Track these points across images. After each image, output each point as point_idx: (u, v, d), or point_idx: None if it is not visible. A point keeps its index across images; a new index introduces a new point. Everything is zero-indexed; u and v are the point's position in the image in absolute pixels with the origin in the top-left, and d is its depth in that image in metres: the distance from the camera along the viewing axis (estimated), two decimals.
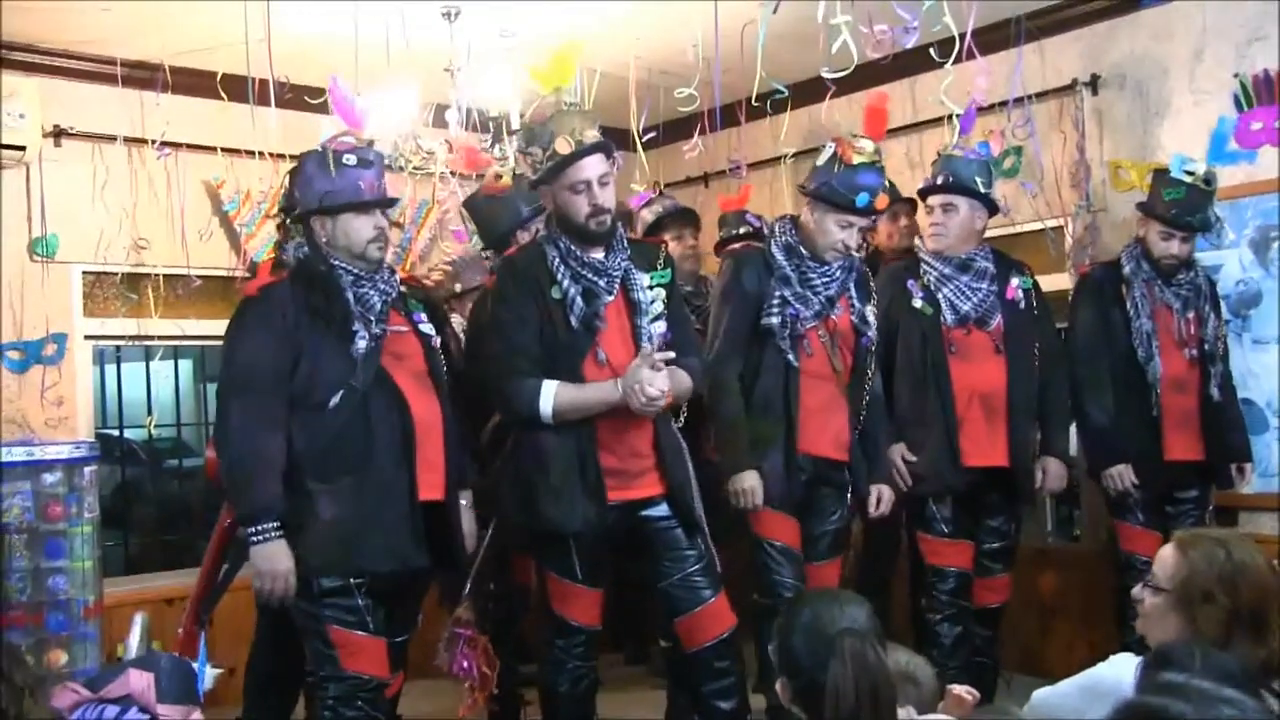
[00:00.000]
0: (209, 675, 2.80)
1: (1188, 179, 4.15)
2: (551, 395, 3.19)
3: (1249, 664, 2.04)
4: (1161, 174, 4.25)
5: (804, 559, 3.82)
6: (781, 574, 3.73)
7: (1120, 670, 2.18)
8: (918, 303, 4.15)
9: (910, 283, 4.18)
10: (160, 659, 2.68)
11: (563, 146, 3.24)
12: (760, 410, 3.77)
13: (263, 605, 3.46)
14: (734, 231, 4.78)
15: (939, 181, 4.18)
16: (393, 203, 3.30)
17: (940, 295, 4.12)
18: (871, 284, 4.00)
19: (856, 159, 3.73)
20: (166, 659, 2.72)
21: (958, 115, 4.16)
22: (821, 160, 3.82)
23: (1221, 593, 2.23)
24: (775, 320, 3.74)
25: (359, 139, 3.27)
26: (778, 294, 3.75)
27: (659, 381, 3.13)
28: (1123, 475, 4.15)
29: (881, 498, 3.95)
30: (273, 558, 3.01)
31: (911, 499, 4.17)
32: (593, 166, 3.27)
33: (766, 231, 4.02)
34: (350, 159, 3.19)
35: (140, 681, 2.37)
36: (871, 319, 3.90)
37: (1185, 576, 2.30)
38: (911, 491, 4.12)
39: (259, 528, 3.02)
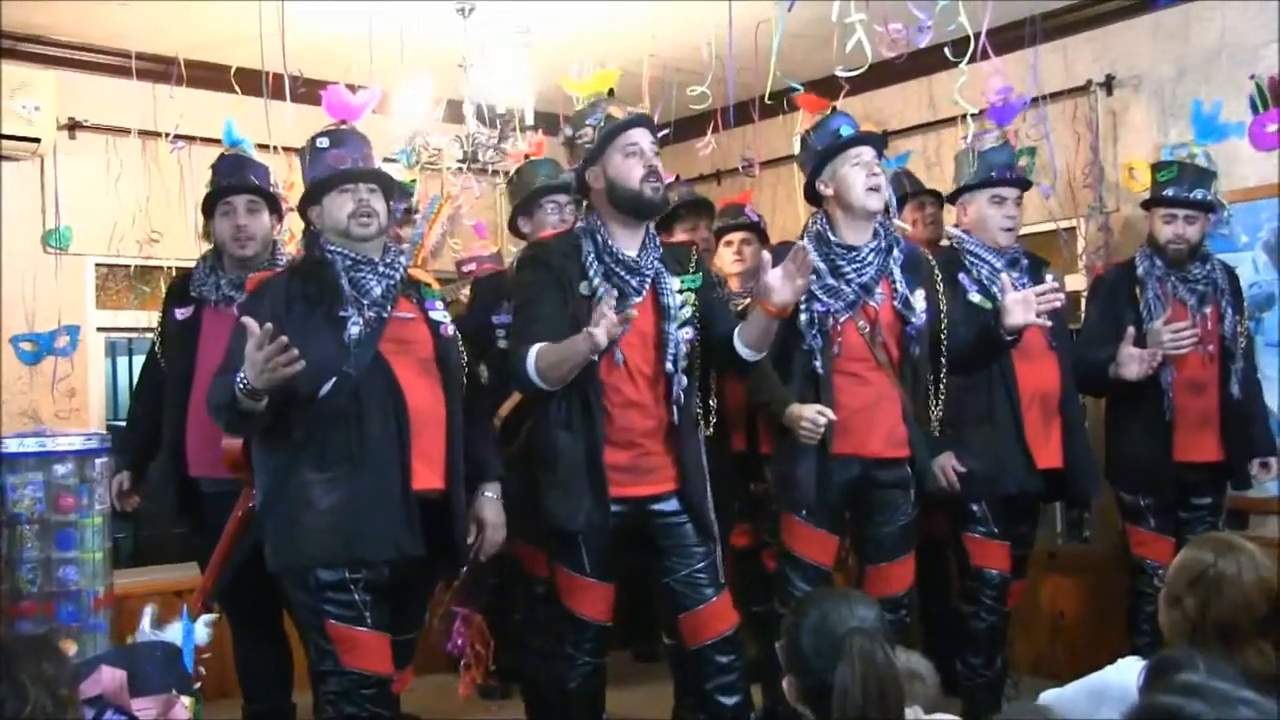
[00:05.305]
0: (202, 631, 2.77)
1: (1177, 158, 4.17)
2: (534, 358, 3.14)
3: None
4: (1155, 166, 4.28)
5: (862, 562, 3.74)
6: (797, 589, 3.61)
7: (1127, 674, 2.16)
8: (975, 297, 4.00)
9: (961, 276, 4.04)
10: (137, 650, 2.65)
11: (618, 113, 3.32)
12: None
13: (228, 595, 3.52)
14: (730, 222, 4.77)
15: (1013, 174, 4.11)
16: (369, 174, 3.21)
17: (995, 290, 3.94)
18: (932, 268, 3.81)
19: (819, 117, 3.71)
20: (144, 648, 2.69)
21: (974, 115, 4.14)
22: (799, 151, 3.79)
23: (1190, 598, 2.22)
24: (804, 317, 3.57)
25: (338, 124, 3.27)
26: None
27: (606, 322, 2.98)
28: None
29: (945, 468, 3.86)
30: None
31: (956, 499, 4.02)
32: (644, 135, 3.31)
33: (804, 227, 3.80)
34: (324, 141, 3.21)
35: (113, 681, 2.34)
36: (920, 303, 3.64)
37: (1170, 576, 2.31)
38: (980, 493, 3.99)
39: (239, 383, 2.88)
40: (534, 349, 3.15)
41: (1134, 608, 4.22)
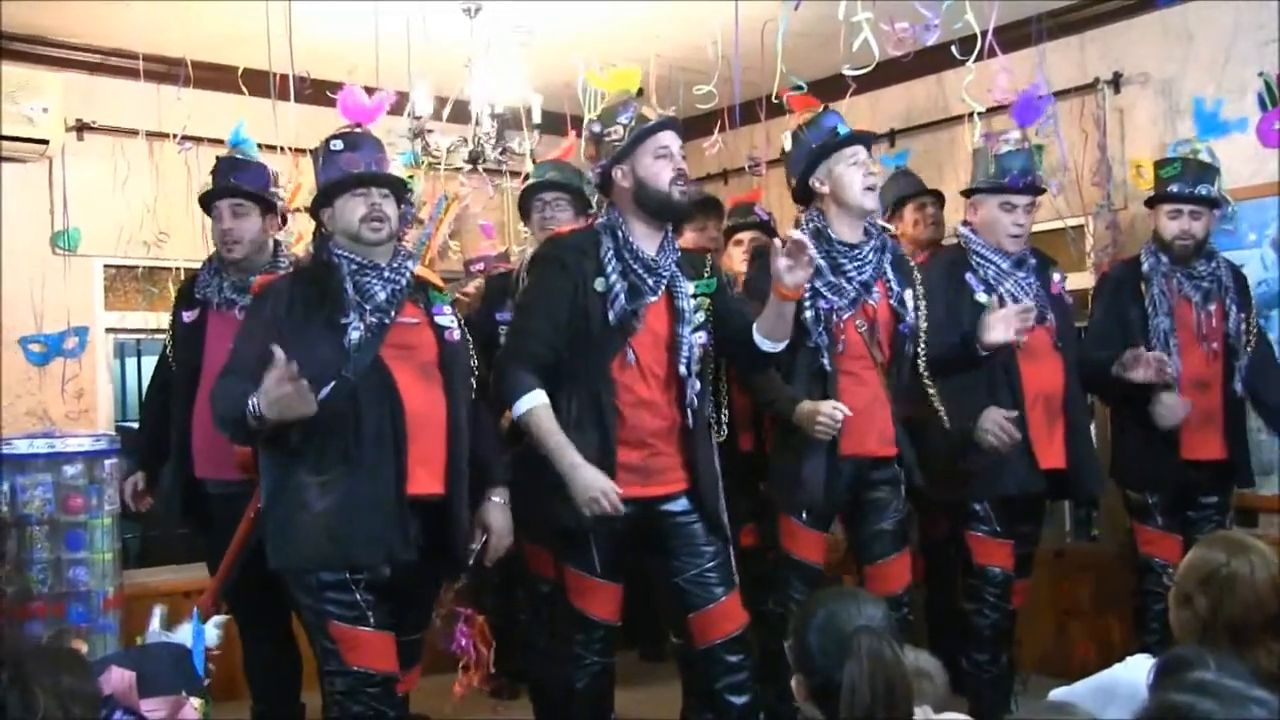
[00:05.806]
0: (212, 633, 2.78)
1: (1180, 154, 4.18)
2: (528, 408, 3.14)
3: None
4: (1158, 163, 4.28)
5: (860, 562, 3.77)
6: (797, 591, 3.65)
7: (1136, 672, 2.16)
8: (981, 297, 3.97)
9: (968, 276, 4.02)
10: (147, 651, 2.66)
11: (649, 114, 3.33)
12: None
13: (234, 595, 3.56)
14: (741, 221, 4.75)
15: (1027, 181, 4.05)
16: (382, 179, 3.22)
17: (1002, 290, 3.96)
18: (913, 267, 3.83)
19: (809, 115, 3.71)
20: (154, 649, 2.70)
21: (981, 113, 4.13)
22: (790, 147, 3.77)
23: (1202, 597, 2.22)
24: (809, 315, 3.56)
25: (352, 127, 3.28)
26: (809, 285, 3.49)
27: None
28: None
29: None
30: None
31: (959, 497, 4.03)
32: (674, 139, 3.33)
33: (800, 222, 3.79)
34: (337, 144, 3.21)
35: (122, 681, 2.34)
36: (910, 303, 3.69)
37: (1181, 575, 2.30)
38: (981, 493, 3.99)
39: (251, 408, 2.91)
40: (532, 401, 3.14)
41: (1142, 606, 4.22)
